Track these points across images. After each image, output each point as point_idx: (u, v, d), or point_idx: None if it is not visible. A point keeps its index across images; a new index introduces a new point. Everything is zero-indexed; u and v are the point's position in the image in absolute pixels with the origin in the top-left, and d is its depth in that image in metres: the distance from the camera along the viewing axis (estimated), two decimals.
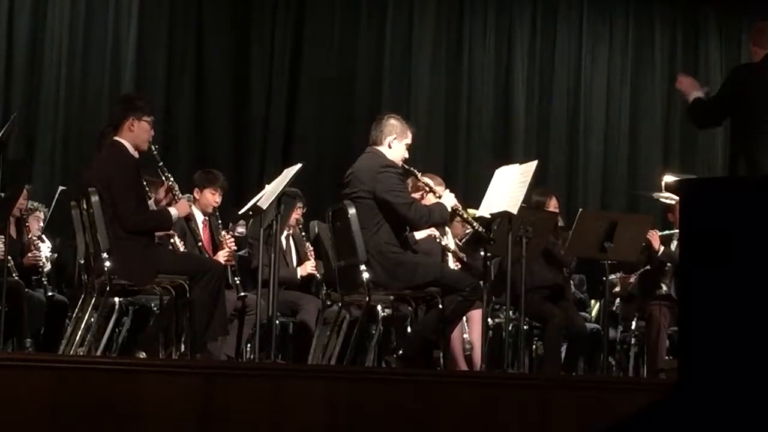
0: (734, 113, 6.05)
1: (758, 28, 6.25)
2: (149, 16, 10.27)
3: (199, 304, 5.99)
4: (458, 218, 6.75)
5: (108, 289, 5.98)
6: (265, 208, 6.13)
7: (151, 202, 6.40)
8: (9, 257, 6.74)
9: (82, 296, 6.26)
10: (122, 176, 6.03)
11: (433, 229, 7.08)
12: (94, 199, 5.96)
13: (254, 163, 10.53)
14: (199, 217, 7.43)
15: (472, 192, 9.19)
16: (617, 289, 8.71)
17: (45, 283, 7.39)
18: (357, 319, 6.54)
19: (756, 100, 5.96)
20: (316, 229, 8.09)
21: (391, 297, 6.33)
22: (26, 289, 7.07)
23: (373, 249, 6.13)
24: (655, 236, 7.74)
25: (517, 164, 6.61)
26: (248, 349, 7.30)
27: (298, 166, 6.24)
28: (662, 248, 7.75)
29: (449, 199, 6.39)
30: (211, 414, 4.66)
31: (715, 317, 3.23)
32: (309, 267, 7.82)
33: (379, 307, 6.36)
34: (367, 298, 6.13)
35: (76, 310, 6.32)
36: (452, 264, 7.40)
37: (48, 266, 7.54)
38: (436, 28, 11.36)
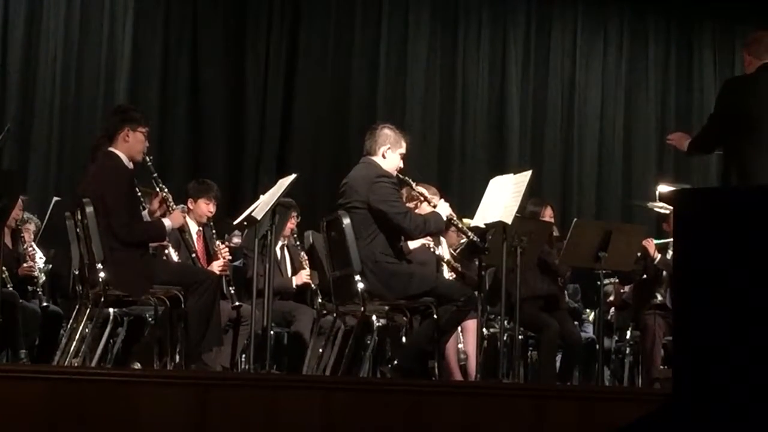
0: (730, 126, 6.03)
1: (753, 38, 6.15)
2: (144, 26, 10.26)
3: (194, 314, 5.98)
4: (453, 228, 6.75)
5: (103, 299, 5.97)
6: (259, 218, 6.13)
7: (145, 213, 6.39)
8: (4, 268, 6.73)
9: (77, 307, 6.25)
10: (116, 187, 6.01)
11: (427, 238, 7.09)
12: (89, 209, 5.95)
13: (249, 173, 10.51)
14: (194, 228, 7.42)
15: (466, 202, 9.19)
16: (611, 298, 8.72)
17: (40, 294, 7.38)
18: (352, 329, 6.53)
19: (748, 111, 5.93)
20: (311, 240, 8.09)
21: (386, 307, 6.32)
22: (21, 300, 7.06)
23: (367, 259, 6.12)
24: (651, 243, 7.75)
25: (512, 174, 6.60)
26: (243, 359, 7.28)
27: (293, 176, 6.24)
28: (659, 256, 7.75)
29: (444, 209, 6.38)
30: (206, 425, 4.66)
31: (710, 327, 3.24)
32: (304, 276, 7.80)
33: (374, 318, 6.35)
34: (362, 309, 6.13)
35: (71, 321, 6.31)
36: (447, 274, 7.40)
37: (42, 277, 7.54)
38: (430, 42, 11.35)
